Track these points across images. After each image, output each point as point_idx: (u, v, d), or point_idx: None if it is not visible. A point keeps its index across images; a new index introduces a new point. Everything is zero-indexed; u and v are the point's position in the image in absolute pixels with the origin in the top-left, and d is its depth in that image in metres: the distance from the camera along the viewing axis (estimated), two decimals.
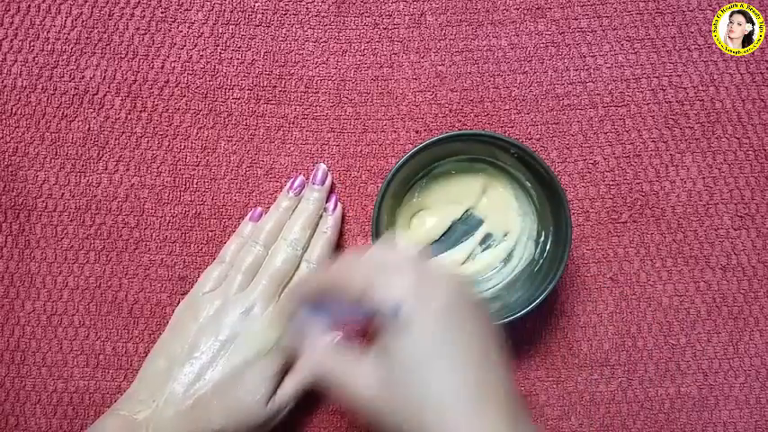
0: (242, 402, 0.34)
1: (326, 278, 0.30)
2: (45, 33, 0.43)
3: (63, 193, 0.42)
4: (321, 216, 0.40)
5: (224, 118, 0.43)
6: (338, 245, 0.41)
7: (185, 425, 0.34)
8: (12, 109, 0.42)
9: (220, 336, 0.36)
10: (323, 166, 0.41)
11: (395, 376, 0.27)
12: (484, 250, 0.41)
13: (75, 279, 0.41)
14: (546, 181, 0.37)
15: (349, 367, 0.29)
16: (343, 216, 0.42)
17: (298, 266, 0.39)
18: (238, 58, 0.43)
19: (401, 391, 0.26)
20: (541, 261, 0.38)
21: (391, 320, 0.26)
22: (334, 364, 0.30)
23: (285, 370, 0.37)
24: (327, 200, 0.41)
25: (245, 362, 0.35)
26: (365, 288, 0.27)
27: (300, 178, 0.41)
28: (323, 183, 0.41)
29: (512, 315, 0.36)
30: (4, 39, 0.43)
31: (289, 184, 0.41)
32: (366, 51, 0.44)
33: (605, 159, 0.43)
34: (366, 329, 0.30)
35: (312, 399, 0.40)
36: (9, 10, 0.43)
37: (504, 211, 0.40)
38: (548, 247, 0.38)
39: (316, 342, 0.32)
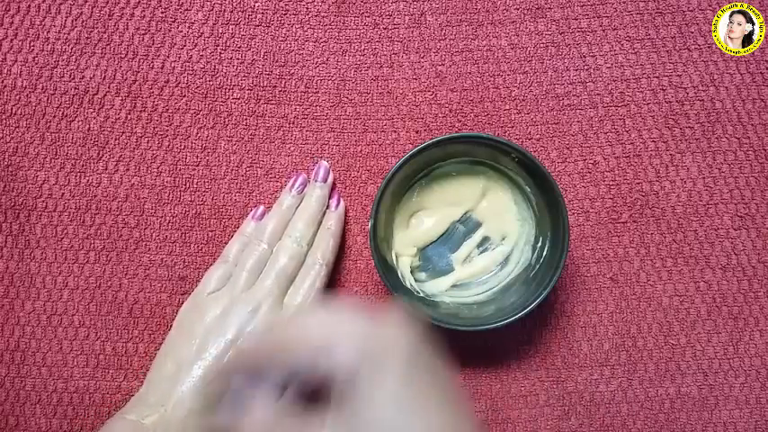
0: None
1: (271, 344, 0.27)
2: (45, 33, 0.43)
3: (63, 193, 0.42)
4: (324, 213, 0.40)
5: (224, 118, 0.43)
6: (340, 243, 0.41)
7: (193, 427, 0.33)
8: (12, 109, 0.42)
9: (228, 335, 0.35)
10: (324, 164, 0.41)
11: None
12: (481, 253, 0.41)
13: (75, 279, 0.41)
14: (546, 187, 0.37)
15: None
16: (345, 214, 0.42)
17: (302, 263, 0.39)
18: (238, 58, 0.43)
19: None
20: (537, 267, 0.38)
21: (347, 390, 0.24)
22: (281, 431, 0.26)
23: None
24: (330, 197, 0.41)
25: None
26: (315, 355, 0.25)
27: (302, 176, 0.41)
28: (325, 180, 0.41)
29: (505, 319, 0.36)
30: (4, 39, 0.43)
31: (290, 183, 0.41)
32: (366, 51, 0.44)
33: (605, 159, 0.43)
34: (310, 390, 0.26)
35: None
36: (9, 10, 0.43)
37: (503, 216, 0.40)
38: (545, 253, 0.38)
39: (256, 412, 0.27)
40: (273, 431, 0.26)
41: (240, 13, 0.44)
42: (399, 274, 0.39)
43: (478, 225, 0.41)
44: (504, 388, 0.40)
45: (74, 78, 0.43)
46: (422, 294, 0.39)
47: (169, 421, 0.33)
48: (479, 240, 0.41)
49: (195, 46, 0.43)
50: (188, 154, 0.42)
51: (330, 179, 0.41)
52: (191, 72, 0.43)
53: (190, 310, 0.38)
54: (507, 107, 0.43)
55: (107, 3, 0.43)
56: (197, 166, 0.42)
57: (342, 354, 0.25)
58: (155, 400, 0.34)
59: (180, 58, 0.43)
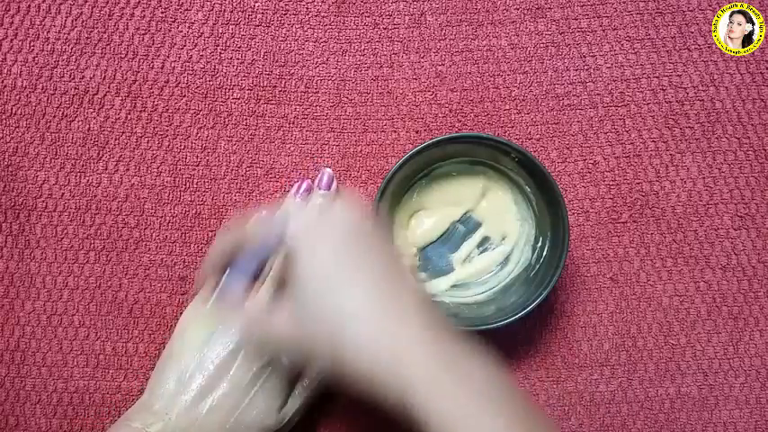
0: (253, 412, 0.34)
1: (242, 233, 0.35)
2: (45, 33, 0.43)
3: (63, 193, 0.42)
4: None
5: (224, 118, 0.43)
6: None
7: None
8: (12, 109, 0.42)
9: (231, 345, 0.35)
10: (329, 171, 0.41)
11: (303, 306, 0.30)
12: (481, 253, 0.41)
13: (75, 279, 0.41)
14: (546, 187, 0.37)
15: (270, 317, 0.32)
16: None
17: None
18: (238, 58, 0.43)
19: (311, 314, 0.29)
20: (538, 266, 0.38)
21: (294, 252, 0.30)
22: (259, 324, 0.33)
23: (295, 377, 0.36)
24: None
25: (255, 371, 0.35)
26: (279, 234, 0.32)
27: (307, 182, 0.41)
28: (329, 187, 0.40)
29: (506, 319, 0.36)
30: (4, 39, 0.43)
31: (295, 188, 0.41)
32: (366, 51, 0.44)
33: (605, 159, 0.43)
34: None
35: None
36: (9, 10, 0.43)
37: (503, 216, 0.41)
38: (545, 253, 0.38)
39: (245, 306, 0.35)
40: (254, 317, 0.34)
41: (240, 13, 0.44)
42: None
43: (478, 225, 0.41)
44: None
45: (74, 78, 0.43)
46: None
47: (174, 430, 0.33)
48: (479, 240, 0.41)
49: (195, 46, 0.43)
50: (188, 154, 0.42)
51: (333, 186, 0.41)
52: (191, 72, 0.43)
53: (192, 317, 0.38)
54: (507, 107, 0.43)
55: (107, 3, 0.43)
56: (197, 166, 0.42)
57: (290, 228, 0.31)
58: (159, 408, 0.34)
59: (180, 58, 0.43)
